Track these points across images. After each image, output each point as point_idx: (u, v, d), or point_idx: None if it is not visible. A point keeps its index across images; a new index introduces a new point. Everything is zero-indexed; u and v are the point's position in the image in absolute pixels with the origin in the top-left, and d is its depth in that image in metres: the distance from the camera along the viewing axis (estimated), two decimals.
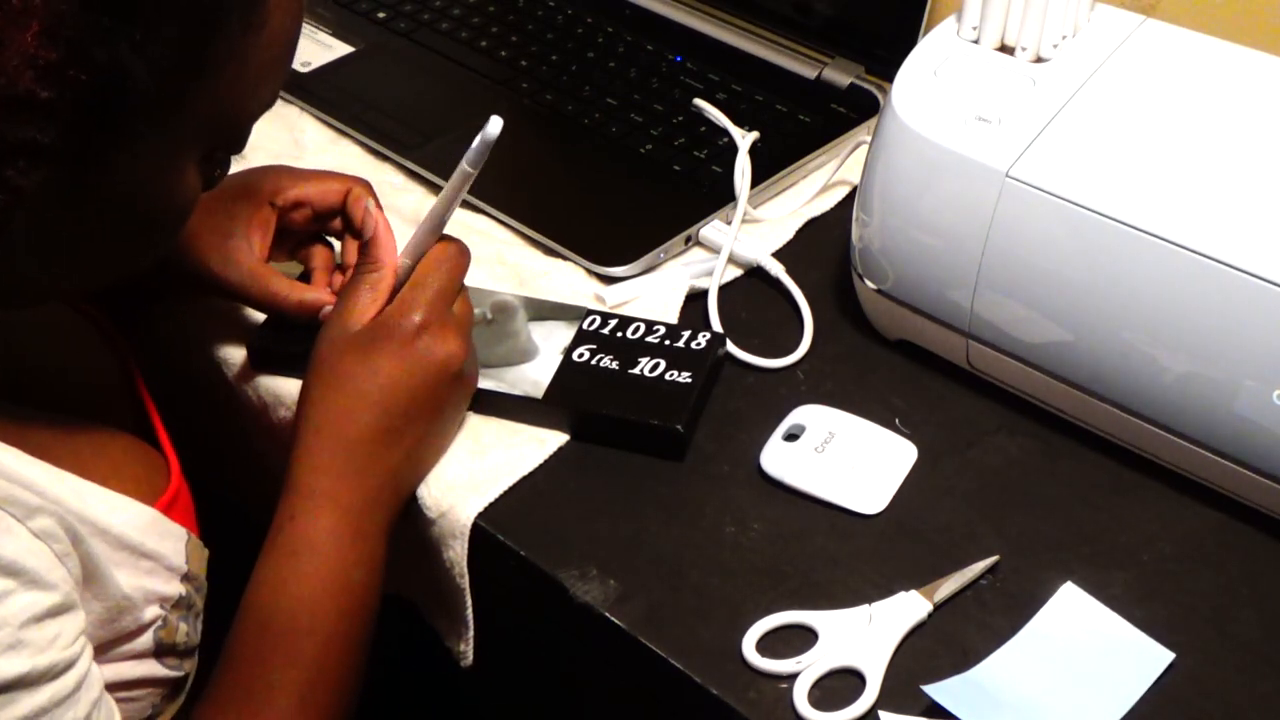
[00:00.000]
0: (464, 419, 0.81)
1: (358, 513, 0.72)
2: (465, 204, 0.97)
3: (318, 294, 0.81)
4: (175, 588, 0.68)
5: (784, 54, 1.09)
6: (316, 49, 1.13)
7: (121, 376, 0.80)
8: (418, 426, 0.75)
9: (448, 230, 0.77)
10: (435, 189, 0.99)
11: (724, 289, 0.90)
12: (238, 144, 0.66)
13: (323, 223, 0.85)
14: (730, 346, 0.85)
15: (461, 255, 0.77)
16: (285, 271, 0.84)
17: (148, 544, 0.66)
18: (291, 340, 0.83)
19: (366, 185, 0.84)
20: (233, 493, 0.97)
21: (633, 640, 0.71)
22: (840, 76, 1.06)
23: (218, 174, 0.67)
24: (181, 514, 0.71)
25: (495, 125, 0.71)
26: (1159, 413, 0.74)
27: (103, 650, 0.64)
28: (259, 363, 0.86)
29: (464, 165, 0.73)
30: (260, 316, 0.86)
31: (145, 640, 0.67)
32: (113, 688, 0.64)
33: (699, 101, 1.03)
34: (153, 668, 0.67)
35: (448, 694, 1.03)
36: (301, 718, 0.69)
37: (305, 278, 0.85)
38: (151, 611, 0.67)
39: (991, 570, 0.74)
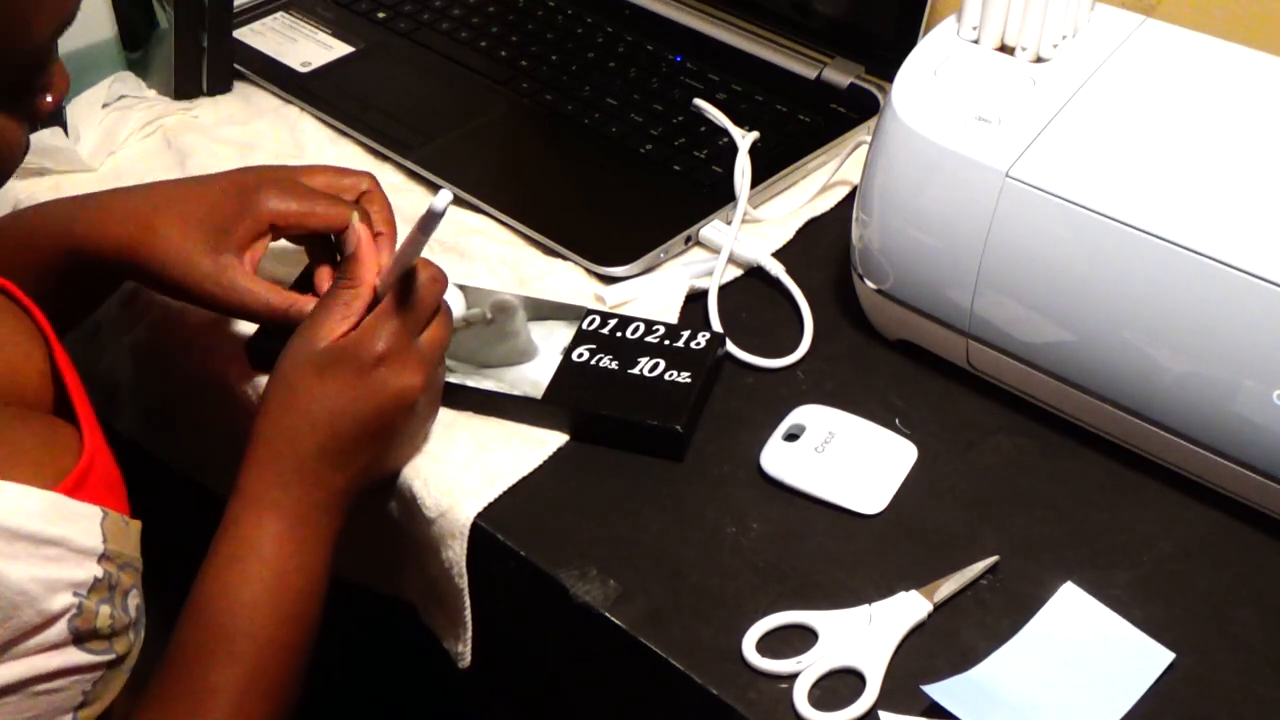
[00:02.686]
0: (424, 437, 0.80)
1: (302, 522, 0.73)
2: (465, 204, 0.97)
3: (300, 300, 0.81)
4: (89, 571, 0.65)
5: (784, 54, 1.09)
6: (316, 49, 1.13)
7: (41, 351, 0.77)
8: (366, 452, 0.75)
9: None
10: (435, 189, 0.99)
11: (724, 289, 0.90)
12: (42, 75, 0.64)
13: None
14: (730, 346, 0.85)
15: (434, 283, 0.77)
16: (291, 257, 0.84)
17: (49, 530, 0.64)
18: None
19: (371, 181, 0.85)
20: (228, 491, 0.97)
21: (633, 640, 0.71)
22: (840, 76, 1.06)
23: (39, 110, 0.66)
24: (95, 491, 0.68)
25: (443, 199, 0.71)
26: (1159, 413, 0.74)
27: (3, 650, 0.62)
28: (257, 363, 0.86)
29: (415, 229, 0.73)
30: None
31: (58, 630, 0.64)
32: (28, 683, 0.63)
33: (699, 101, 1.03)
34: (73, 656, 0.65)
35: (447, 694, 1.03)
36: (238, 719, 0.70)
37: (307, 278, 0.85)
38: (61, 600, 0.64)
39: (991, 570, 0.74)
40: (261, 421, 0.74)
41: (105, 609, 0.66)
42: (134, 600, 0.69)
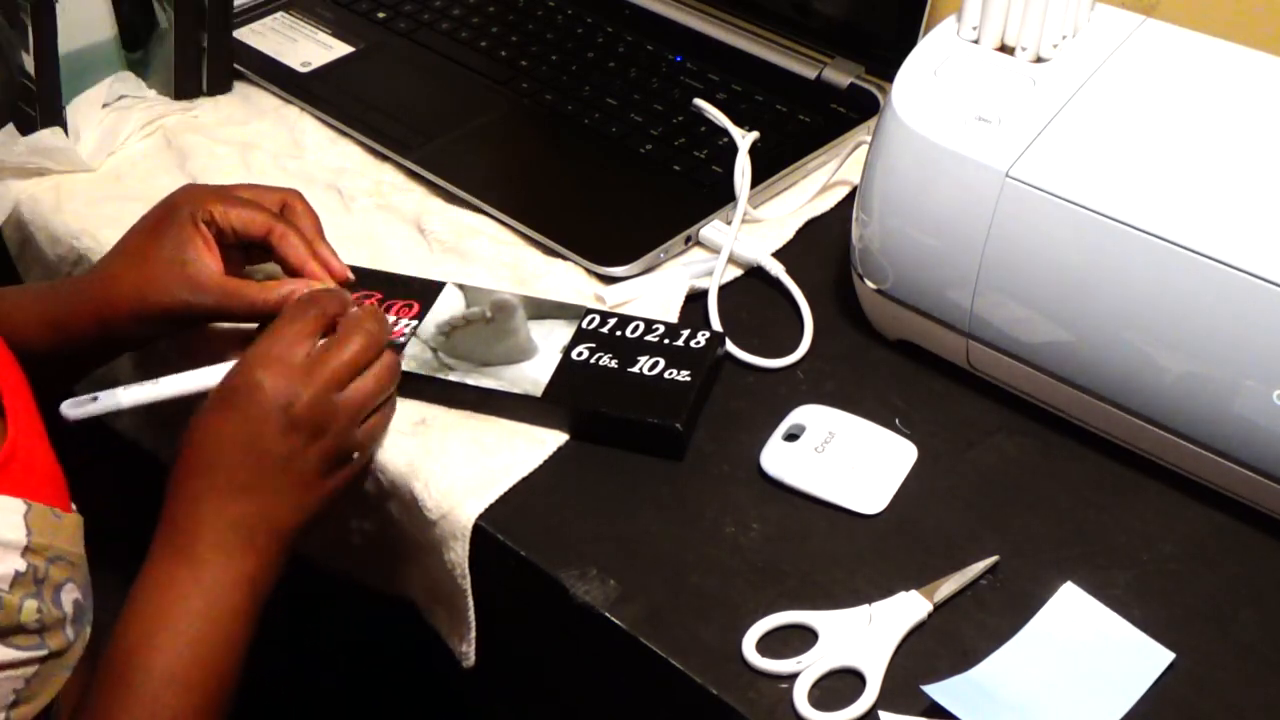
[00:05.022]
0: (357, 474, 0.79)
1: (199, 564, 0.72)
2: (465, 204, 0.97)
3: (293, 285, 0.81)
4: (11, 564, 0.65)
5: (784, 54, 1.09)
6: (316, 49, 1.13)
7: None
8: (264, 483, 0.73)
9: None
10: (435, 189, 0.99)
11: (724, 289, 0.90)
12: None
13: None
14: (730, 346, 0.85)
15: (313, 309, 0.76)
16: (265, 273, 0.85)
17: None
18: None
19: (295, 195, 0.85)
20: None
21: (633, 640, 0.71)
22: (840, 76, 1.06)
23: None
24: (17, 483, 0.67)
25: None
26: (1159, 413, 0.74)
27: None
28: None
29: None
30: None
31: None
32: None
33: (699, 101, 1.03)
34: None
35: (447, 694, 1.03)
36: None
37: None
38: None
39: (991, 570, 0.74)
40: (174, 468, 0.74)
41: (31, 604, 0.65)
42: (70, 594, 0.67)
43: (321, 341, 0.76)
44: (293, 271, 0.83)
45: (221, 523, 0.73)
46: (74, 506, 0.71)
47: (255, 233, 0.83)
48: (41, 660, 0.66)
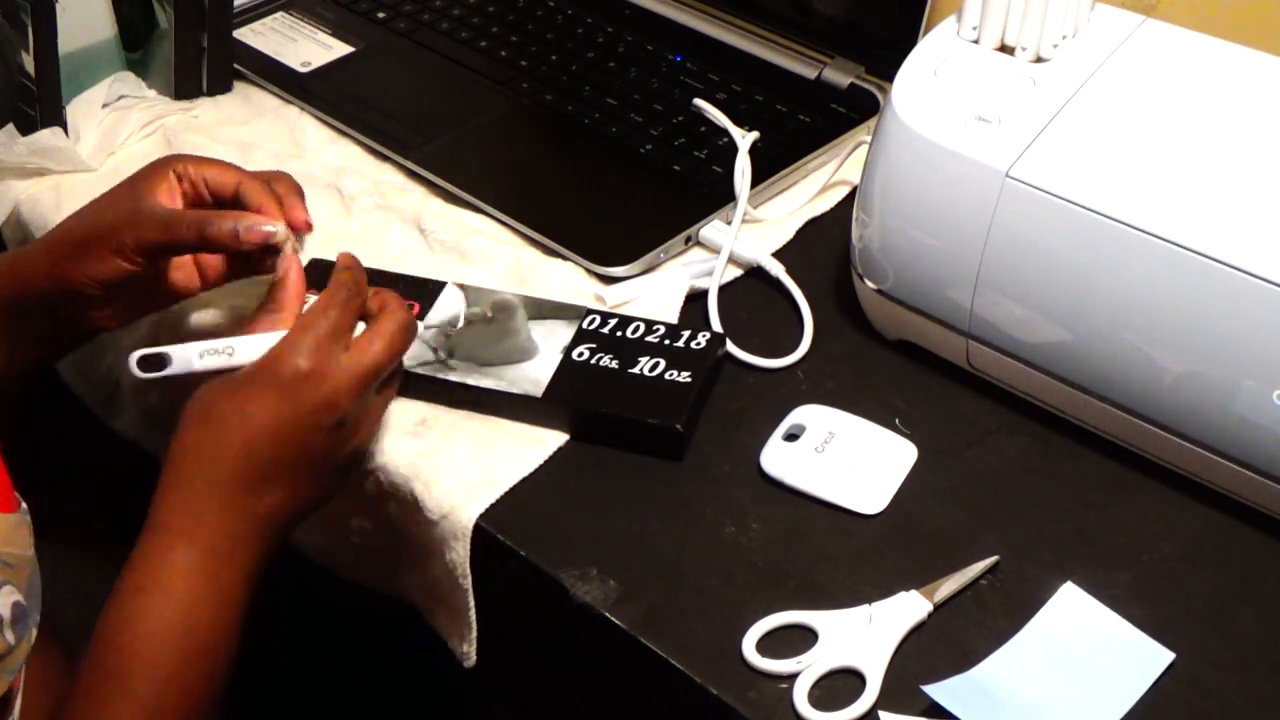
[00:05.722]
0: (360, 468, 0.78)
1: (214, 554, 0.69)
2: (465, 204, 0.97)
3: (223, 213, 0.79)
4: None
5: (784, 54, 1.09)
6: (316, 49, 1.13)
7: None
8: (287, 477, 0.71)
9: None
10: (435, 189, 0.99)
11: (724, 289, 0.90)
12: None
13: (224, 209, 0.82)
14: (730, 346, 0.85)
15: (353, 298, 0.74)
16: (247, 290, 0.85)
17: None
18: None
19: (273, 176, 0.83)
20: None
21: (633, 640, 0.71)
22: (840, 76, 1.06)
23: None
24: None
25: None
26: (1159, 413, 0.74)
27: None
28: None
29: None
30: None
31: None
32: None
33: (699, 101, 1.03)
34: None
35: (447, 694, 1.03)
36: None
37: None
38: None
39: (991, 570, 0.74)
40: (173, 447, 0.71)
41: None
42: (9, 597, 0.65)
43: (360, 330, 0.75)
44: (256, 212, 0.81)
45: (242, 512, 0.70)
46: (21, 505, 0.68)
47: (226, 185, 0.81)
48: None
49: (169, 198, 0.81)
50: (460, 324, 0.85)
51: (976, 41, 0.82)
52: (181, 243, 0.79)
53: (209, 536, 0.70)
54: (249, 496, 0.70)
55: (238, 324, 0.82)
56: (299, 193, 0.84)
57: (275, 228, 0.78)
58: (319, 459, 0.73)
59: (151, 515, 0.70)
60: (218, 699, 0.70)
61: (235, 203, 0.82)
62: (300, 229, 0.81)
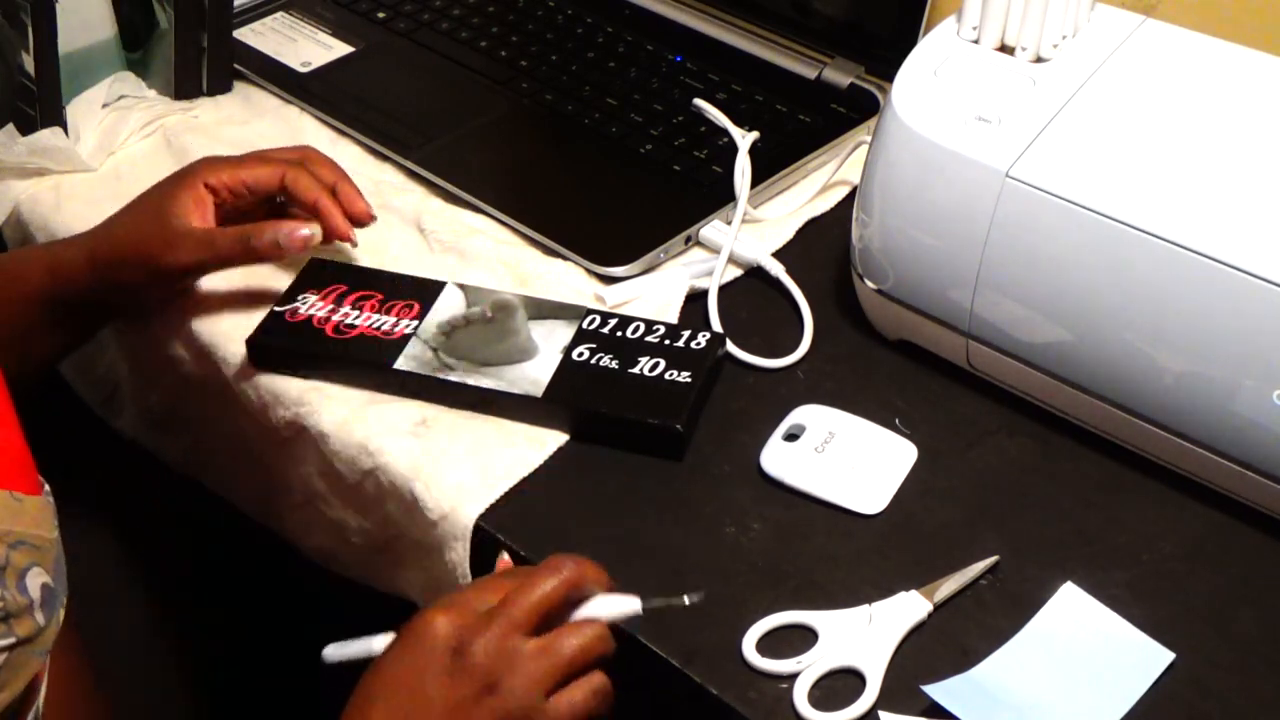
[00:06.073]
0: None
1: None
2: (465, 204, 0.97)
3: (272, 226, 0.83)
4: None
5: (784, 54, 1.09)
6: (316, 49, 1.13)
7: None
8: None
9: None
10: (435, 189, 0.99)
11: (724, 289, 0.90)
12: None
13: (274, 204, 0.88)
14: (730, 346, 0.85)
15: (559, 588, 0.67)
16: None
17: None
18: (292, 337, 0.84)
19: (308, 150, 0.88)
20: (227, 491, 0.97)
21: (633, 640, 0.71)
22: (840, 76, 1.06)
23: None
24: None
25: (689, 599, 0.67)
26: (1159, 413, 0.74)
27: None
28: (259, 360, 0.86)
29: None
30: (259, 314, 0.86)
31: None
32: None
33: (699, 101, 1.03)
34: None
35: None
36: None
37: (301, 281, 0.87)
38: None
39: (991, 570, 0.74)
40: (375, 681, 0.67)
41: None
42: (38, 579, 0.65)
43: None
44: (310, 212, 0.86)
45: None
46: (45, 487, 0.68)
47: (270, 183, 0.86)
48: (10, 648, 0.64)
49: (200, 214, 0.84)
50: (460, 324, 0.85)
51: (976, 41, 0.82)
52: (226, 260, 0.84)
53: None
54: None
55: None
56: (344, 175, 0.89)
57: (313, 230, 0.84)
58: (447, 713, 0.66)
59: None
60: None
61: (276, 205, 0.86)
62: (362, 221, 0.87)
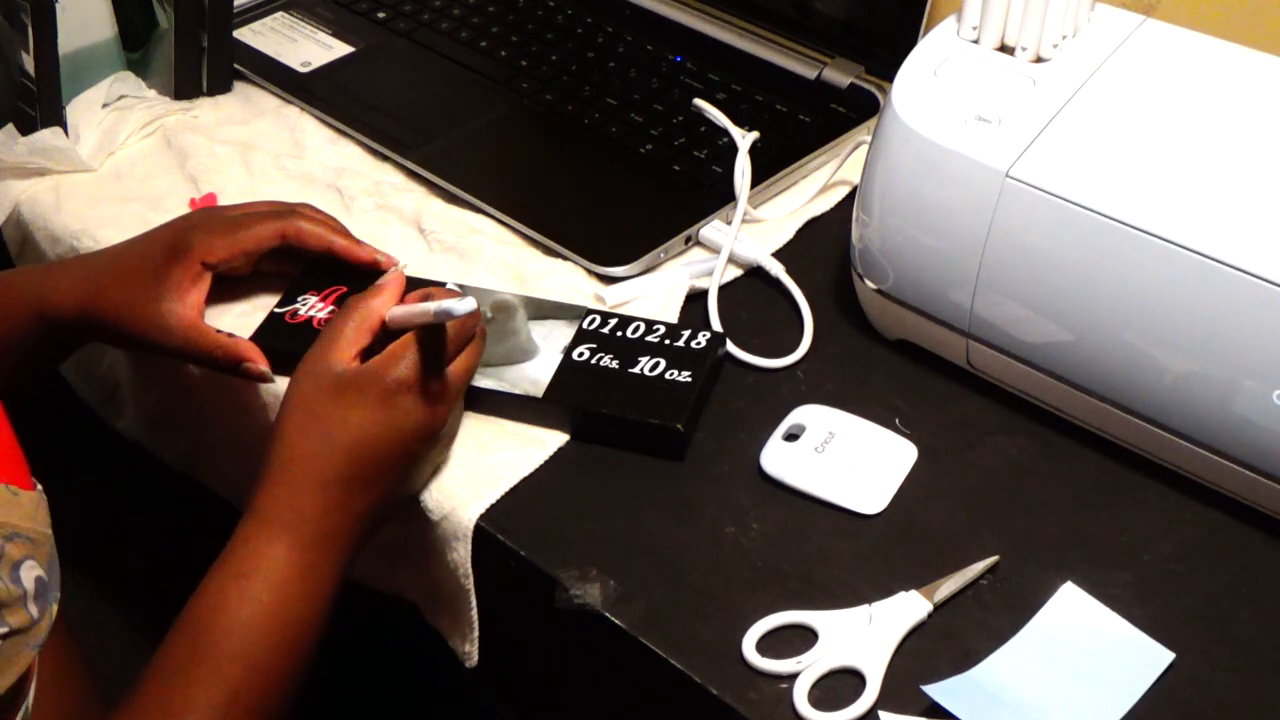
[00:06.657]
0: (443, 460, 0.80)
1: (313, 547, 0.72)
2: (465, 204, 0.97)
3: (251, 346, 0.82)
4: None
5: (784, 54, 1.09)
6: (316, 49, 1.13)
7: None
8: (386, 480, 0.74)
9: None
10: (435, 189, 0.99)
11: (724, 289, 0.90)
12: None
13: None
14: (730, 346, 0.85)
15: (469, 318, 0.76)
16: None
17: None
18: (291, 339, 0.84)
19: (301, 213, 0.86)
20: (228, 491, 0.97)
21: (633, 640, 0.71)
22: (840, 76, 1.06)
23: None
24: None
25: (464, 305, 0.70)
26: (1159, 412, 0.74)
27: None
28: None
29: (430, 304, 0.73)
30: (259, 315, 0.86)
31: None
32: None
33: (699, 101, 1.03)
34: None
35: (447, 694, 1.03)
36: None
37: (301, 282, 0.87)
38: None
39: (991, 570, 0.74)
40: (278, 444, 0.73)
41: None
42: (31, 572, 0.65)
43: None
44: (320, 259, 0.86)
45: (342, 510, 0.73)
46: (38, 485, 0.68)
47: (269, 243, 0.85)
48: (3, 637, 0.64)
49: (196, 295, 0.83)
50: None
51: (976, 41, 0.82)
52: (208, 364, 0.83)
53: (310, 531, 0.72)
54: (350, 496, 0.73)
55: None
56: (332, 220, 0.88)
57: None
58: (415, 464, 0.76)
59: (254, 503, 0.73)
60: (298, 689, 0.72)
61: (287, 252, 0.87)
62: (369, 263, 0.86)
